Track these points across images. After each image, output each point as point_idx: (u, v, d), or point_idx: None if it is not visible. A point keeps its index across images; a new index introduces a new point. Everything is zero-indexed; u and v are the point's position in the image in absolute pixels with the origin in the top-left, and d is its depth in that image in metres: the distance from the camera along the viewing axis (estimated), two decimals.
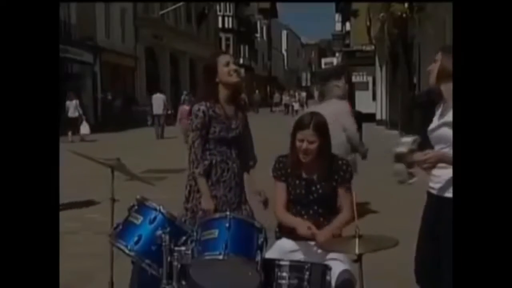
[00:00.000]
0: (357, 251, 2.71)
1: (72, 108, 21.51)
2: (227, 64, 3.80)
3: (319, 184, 3.49)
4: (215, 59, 3.86)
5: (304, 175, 3.51)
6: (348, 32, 43.56)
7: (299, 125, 3.45)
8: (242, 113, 3.96)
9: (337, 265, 3.14)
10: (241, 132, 3.88)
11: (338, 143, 5.50)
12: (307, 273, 2.94)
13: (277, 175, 3.57)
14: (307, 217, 3.48)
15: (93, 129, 22.29)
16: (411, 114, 17.11)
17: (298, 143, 3.42)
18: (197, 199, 3.78)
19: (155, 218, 3.11)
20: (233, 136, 3.83)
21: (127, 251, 3.08)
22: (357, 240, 2.73)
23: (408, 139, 3.10)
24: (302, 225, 3.40)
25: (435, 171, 3.12)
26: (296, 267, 2.97)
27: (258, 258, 2.88)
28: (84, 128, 21.29)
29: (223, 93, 3.83)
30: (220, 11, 52.96)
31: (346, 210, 3.51)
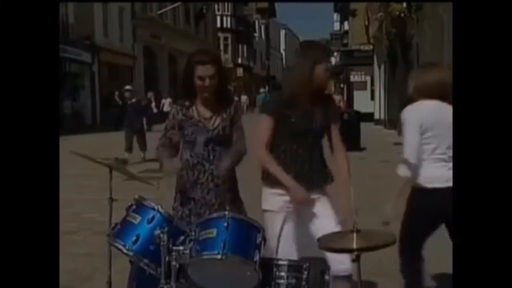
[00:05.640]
0: (354, 246, 2.64)
1: (167, 104, 28.56)
2: (201, 78, 3.60)
3: (318, 115, 3.61)
4: (192, 67, 3.65)
5: (305, 106, 3.57)
6: (346, 32, 43.58)
7: (323, 54, 3.60)
8: (228, 111, 3.74)
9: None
10: (221, 132, 3.70)
11: None
12: (306, 272, 2.94)
13: (269, 109, 3.63)
14: (303, 150, 3.58)
15: (92, 129, 22.35)
16: None
17: (323, 74, 3.53)
18: (178, 199, 3.75)
19: (153, 217, 3.11)
20: (209, 137, 3.67)
21: (125, 251, 3.08)
22: (355, 235, 2.67)
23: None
24: (297, 190, 3.49)
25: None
26: (294, 267, 2.97)
27: (256, 257, 2.88)
28: None
29: (200, 93, 3.68)
30: (218, 10, 52.92)
31: (341, 151, 3.72)
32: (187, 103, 3.74)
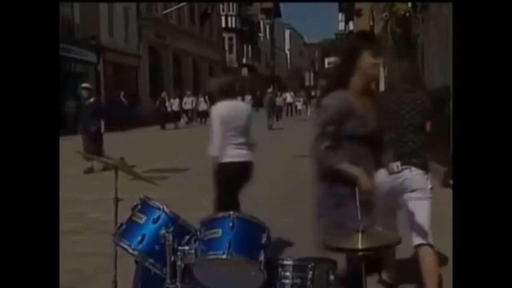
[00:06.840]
0: (360, 246, 2.65)
1: (175, 104, 30.51)
2: (374, 55, 3.25)
3: None
4: (363, 53, 3.24)
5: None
6: (351, 32, 43.52)
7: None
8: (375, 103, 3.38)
9: None
10: (374, 126, 3.33)
11: None
12: (311, 272, 2.93)
13: None
14: None
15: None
16: None
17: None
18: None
19: (158, 217, 3.11)
20: (369, 131, 3.26)
21: (130, 251, 3.09)
22: (360, 235, 2.67)
23: None
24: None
25: None
26: (299, 267, 2.97)
27: (261, 257, 2.88)
28: (184, 119, 30.99)
29: (358, 83, 3.27)
30: (223, 10, 52.94)
31: None
32: (347, 93, 3.26)
